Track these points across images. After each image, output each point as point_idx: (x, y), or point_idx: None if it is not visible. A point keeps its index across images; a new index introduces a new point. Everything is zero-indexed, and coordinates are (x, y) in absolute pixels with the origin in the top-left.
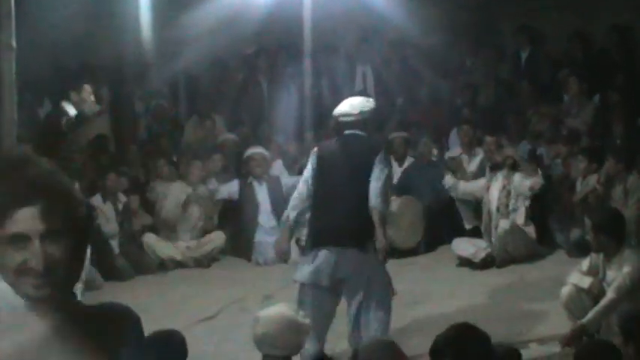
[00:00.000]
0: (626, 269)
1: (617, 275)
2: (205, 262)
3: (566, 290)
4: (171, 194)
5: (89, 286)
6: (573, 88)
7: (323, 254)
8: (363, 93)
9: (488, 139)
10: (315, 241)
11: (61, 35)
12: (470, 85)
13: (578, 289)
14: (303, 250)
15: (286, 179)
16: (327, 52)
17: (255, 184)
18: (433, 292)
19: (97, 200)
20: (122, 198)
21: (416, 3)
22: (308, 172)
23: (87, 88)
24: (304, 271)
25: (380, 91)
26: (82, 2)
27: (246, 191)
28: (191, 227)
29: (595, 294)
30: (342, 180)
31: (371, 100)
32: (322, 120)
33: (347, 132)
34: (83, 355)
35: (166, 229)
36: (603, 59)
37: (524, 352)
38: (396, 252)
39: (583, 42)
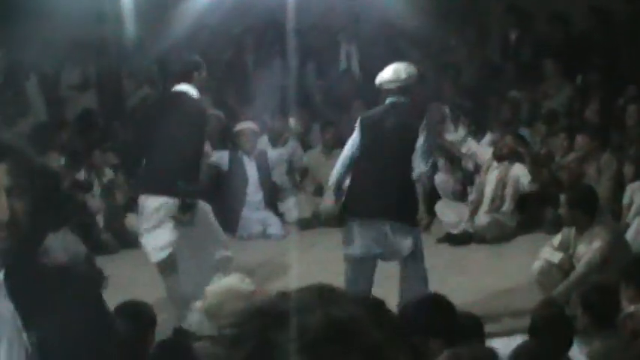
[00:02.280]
0: (596, 245)
1: (587, 250)
2: None
3: (537, 265)
4: None
5: (76, 259)
6: (551, 69)
7: (372, 226)
8: (347, 72)
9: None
10: (358, 211)
11: (48, 12)
12: (452, 65)
13: (550, 264)
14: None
15: (271, 152)
16: (312, 32)
17: (245, 158)
18: None
19: (82, 175)
20: (109, 173)
21: None
22: (353, 141)
23: None
24: (358, 243)
25: (365, 71)
26: None
27: (236, 164)
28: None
29: (566, 269)
30: (389, 151)
31: (412, 65)
32: (307, 97)
33: (390, 100)
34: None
35: None
36: (583, 41)
37: (497, 326)
38: None
39: (563, 23)
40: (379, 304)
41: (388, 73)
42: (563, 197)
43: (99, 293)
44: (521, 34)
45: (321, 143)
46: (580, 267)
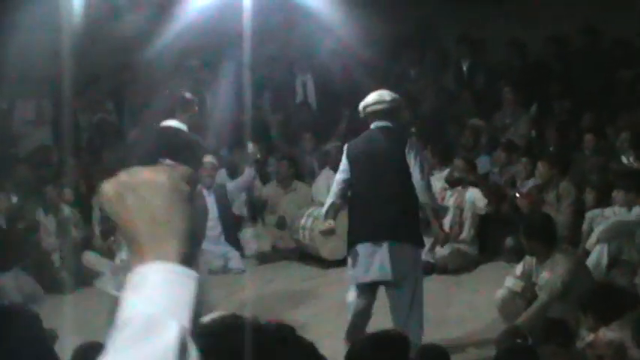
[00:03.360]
0: (557, 273)
1: (548, 278)
2: None
3: (500, 294)
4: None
5: (30, 299)
6: (509, 98)
7: (379, 250)
8: (304, 103)
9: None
10: (359, 237)
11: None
12: (411, 95)
13: (512, 293)
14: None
15: (229, 184)
16: (268, 64)
17: (205, 192)
18: None
19: (38, 213)
20: (65, 210)
21: (357, 13)
22: (343, 166)
23: None
24: (364, 269)
25: (322, 101)
26: (24, 13)
27: (196, 199)
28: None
29: (528, 297)
30: (378, 174)
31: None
32: (264, 129)
33: (374, 124)
34: None
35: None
36: (540, 69)
37: (462, 357)
38: (324, 262)
39: (519, 51)
40: (288, 331)
41: (372, 97)
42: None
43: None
44: (474, 63)
45: (278, 176)
46: (542, 295)
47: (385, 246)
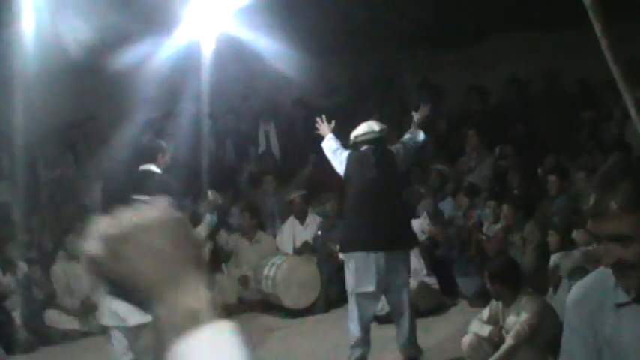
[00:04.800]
0: (524, 316)
1: (515, 322)
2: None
3: (467, 339)
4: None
5: None
6: (472, 141)
7: (369, 259)
8: (267, 152)
9: None
10: (355, 247)
11: None
12: None
13: (479, 338)
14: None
15: None
16: (230, 114)
17: None
18: (331, 348)
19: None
20: (24, 267)
21: (319, 62)
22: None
23: None
24: (364, 278)
25: (284, 150)
26: None
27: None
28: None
29: (495, 341)
30: (371, 188)
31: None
32: (228, 178)
33: (365, 147)
34: None
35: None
36: (501, 112)
37: None
38: (289, 312)
39: (481, 95)
40: None
41: (362, 129)
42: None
43: None
44: (436, 108)
45: (241, 228)
46: (509, 339)
47: (382, 255)
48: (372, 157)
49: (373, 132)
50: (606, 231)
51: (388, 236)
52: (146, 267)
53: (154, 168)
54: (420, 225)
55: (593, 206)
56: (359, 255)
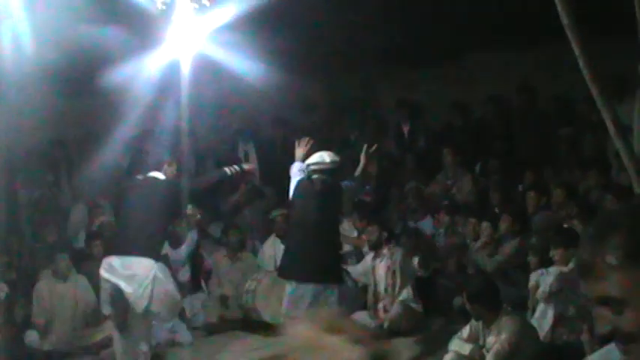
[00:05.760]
0: (504, 335)
1: (495, 341)
2: (95, 349)
3: (447, 358)
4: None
5: None
6: (448, 159)
7: (302, 288)
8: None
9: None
10: (289, 274)
11: None
12: (352, 160)
13: (460, 356)
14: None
15: (172, 253)
16: (209, 133)
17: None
18: None
19: None
20: (4, 289)
21: (297, 81)
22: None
23: None
24: (293, 306)
25: (263, 169)
26: None
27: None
28: (70, 318)
29: None
30: (314, 217)
31: (335, 154)
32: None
33: (314, 176)
34: None
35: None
36: (481, 129)
37: None
38: (271, 331)
39: (461, 112)
40: None
41: (314, 158)
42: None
43: None
44: (415, 126)
45: (228, 247)
46: (489, 358)
47: (311, 287)
48: (318, 187)
49: (324, 162)
50: (595, 292)
51: (317, 268)
52: None
53: (159, 174)
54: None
55: (581, 262)
56: (294, 282)
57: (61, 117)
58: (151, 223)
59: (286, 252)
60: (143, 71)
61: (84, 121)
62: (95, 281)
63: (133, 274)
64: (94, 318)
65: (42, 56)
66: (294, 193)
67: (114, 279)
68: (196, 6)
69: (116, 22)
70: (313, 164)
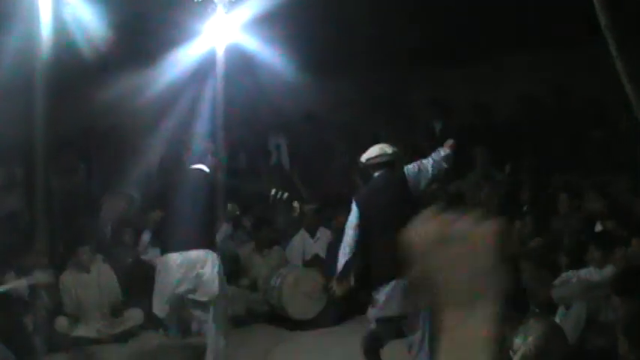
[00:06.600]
0: (531, 338)
1: (522, 344)
2: (123, 338)
3: None
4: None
5: None
6: (481, 158)
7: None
8: (278, 165)
9: None
10: (386, 277)
11: None
12: None
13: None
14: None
15: None
16: (241, 127)
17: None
18: None
19: (9, 276)
20: (38, 275)
21: (328, 77)
22: (351, 223)
23: None
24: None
25: (295, 163)
26: None
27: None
28: (100, 305)
29: None
30: (388, 218)
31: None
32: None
33: (377, 173)
34: None
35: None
36: (512, 129)
37: None
38: (297, 324)
39: (486, 113)
40: None
41: (375, 151)
42: None
43: None
44: (446, 125)
45: (257, 241)
46: None
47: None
48: (385, 186)
49: (385, 155)
50: None
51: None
52: (460, 271)
53: (204, 167)
54: None
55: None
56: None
57: (95, 107)
58: (206, 216)
59: (375, 258)
60: (179, 63)
61: (116, 112)
62: (123, 268)
63: (200, 274)
64: (118, 307)
65: (78, 44)
66: (359, 202)
67: (182, 289)
68: None
69: (153, 13)
70: (373, 158)
